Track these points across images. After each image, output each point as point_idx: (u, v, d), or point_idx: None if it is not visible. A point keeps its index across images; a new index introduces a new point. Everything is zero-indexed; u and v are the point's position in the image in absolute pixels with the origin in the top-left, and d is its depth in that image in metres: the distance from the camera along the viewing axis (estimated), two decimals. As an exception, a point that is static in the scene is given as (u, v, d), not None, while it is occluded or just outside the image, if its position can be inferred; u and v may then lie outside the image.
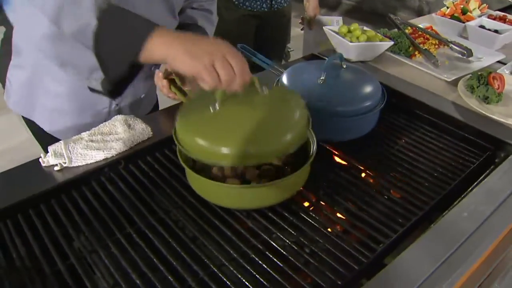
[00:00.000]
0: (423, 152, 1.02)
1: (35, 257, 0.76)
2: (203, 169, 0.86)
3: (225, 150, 0.74)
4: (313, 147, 0.86)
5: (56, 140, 0.98)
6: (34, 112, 1.14)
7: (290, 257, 0.75)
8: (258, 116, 0.78)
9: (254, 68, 1.30)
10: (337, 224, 0.84)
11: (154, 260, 0.74)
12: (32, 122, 1.16)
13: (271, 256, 0.75)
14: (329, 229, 0.81)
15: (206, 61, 0.70)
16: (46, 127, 1.16)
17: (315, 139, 0.88)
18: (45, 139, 1.15)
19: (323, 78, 1.02)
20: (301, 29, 2.31)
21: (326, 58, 1.05)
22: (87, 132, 1.00)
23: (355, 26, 1.42)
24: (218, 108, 0.78)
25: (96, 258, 0.76)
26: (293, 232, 0.80)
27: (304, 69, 1.11)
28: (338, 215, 0.86)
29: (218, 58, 0.70)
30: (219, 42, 0.73)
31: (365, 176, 0.96)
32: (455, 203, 0.86)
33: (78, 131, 0.99)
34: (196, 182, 0.84)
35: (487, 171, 0.97)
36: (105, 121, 1.04)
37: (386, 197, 0.90)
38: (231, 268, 0.73)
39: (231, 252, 0.76)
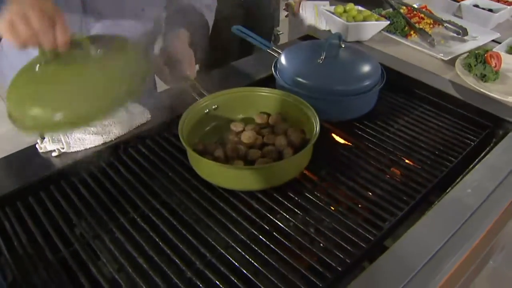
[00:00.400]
0: (423, 131, 1.02)
1: (37, 244, 0.74)
2: (206, 151, 0.85)
3: (51, 114, 0.67)
4: (316, 128, 0.85)
5: None
6: None
7: (296, 237, 0.75)
8: (85, 76, 0.70)
9: (252, 49, 1.29)
10: (342, 202, 0.83)
11: (160, 243, 0.73)
12: None
13: (277, 236, 0.75)
14: (333, 208, 0.81)
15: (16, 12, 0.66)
16: None
17: (318, 119, 0.87)
18: None
19: (323, 57, 1.01)
20: (286, 16, 2.28)
21: (321, 39, 1.04)
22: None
23: (350, 6, 1.41)
24: (38, 70, 0.71)
25: (99, 243, 0.76)
26: (298, 212, 0.80)
27: (302, 49, 1.10)
28: (342, 194, 0.86)
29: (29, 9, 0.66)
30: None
31: (366, 156, 0.96)
32: (457, 180, 0.86)
33: None
34: (199, 164, 0.83)
35: (487, 149, 0.98)
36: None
37: (388, 176, 0.89)
38: (239, 250, 0.72)
39: (238, 233, 0.75)
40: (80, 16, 0.96)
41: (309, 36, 1.46)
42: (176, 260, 0.70)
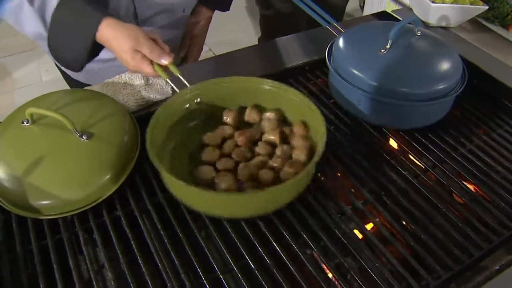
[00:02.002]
0: (504, 158, 0.80)
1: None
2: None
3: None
4: (323, 142, 0.65)
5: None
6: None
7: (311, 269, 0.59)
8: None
9: (310, 24, 1.09)
10: (380, 234, 0.66)
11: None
12: None
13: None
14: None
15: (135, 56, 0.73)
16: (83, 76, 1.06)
17: (325, 132, 0.66)
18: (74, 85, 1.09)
19: (388, 47, 0.80)
20: None
21: (400, 19, 0.82)
22: (99, 84, 0.86)
23: (441, -18, 1.15)
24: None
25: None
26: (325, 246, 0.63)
27: (367, 32, 0.89)
28: (385, 225, 0.68)
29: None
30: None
31: (423, 179, 0.76)
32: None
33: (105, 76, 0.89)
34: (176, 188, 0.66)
35: None
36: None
37: (450, 207, 0.70)
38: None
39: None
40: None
41: (387, 14, 1.22)
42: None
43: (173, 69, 0.76)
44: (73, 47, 0.76)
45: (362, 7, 2.54)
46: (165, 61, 0.74)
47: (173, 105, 0.74)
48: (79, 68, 0.79)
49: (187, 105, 0.76)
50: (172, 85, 0.75)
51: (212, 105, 0.78)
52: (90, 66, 0.82)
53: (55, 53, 0.78)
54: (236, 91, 0.78)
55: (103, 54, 0.81)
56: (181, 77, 0.76)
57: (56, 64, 1.07)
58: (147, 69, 0.74)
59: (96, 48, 0.77)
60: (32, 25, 0.76)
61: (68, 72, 1.06)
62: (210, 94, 0.77)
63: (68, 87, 1.14)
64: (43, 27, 0.76)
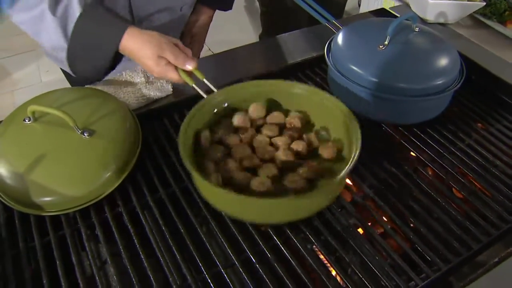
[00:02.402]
0: (502, 153, 0.80)
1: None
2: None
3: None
4: (355, 152, 0.63)
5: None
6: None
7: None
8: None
9: (311, 20, 1.10)
10: (381, 228, 0.67)
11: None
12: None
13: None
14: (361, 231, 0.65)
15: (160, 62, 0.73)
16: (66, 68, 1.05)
17: (359, 137, 0.65)
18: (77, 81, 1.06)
19: (386, 43, 0.81)
20: None
21: (398, 16, 0.83)
22: (102, 81, 0.86)
23: (439, -22, 1.15)
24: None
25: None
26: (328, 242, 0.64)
27: (365, 28, 0.89)
28: (385, 219, 0.69)
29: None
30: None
31: (424, 172, 0.77)
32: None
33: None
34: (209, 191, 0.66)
35: None
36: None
37: (450, 203, 0.71)
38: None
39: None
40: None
41: (385, 11, 1.23)
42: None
43: (198, 74, 0.75)
44: (94, 58, 0.76)
45: (359, 5, 2.55)
46: (190, 67, 0.74)
47: (203, 110, 0.73)
48: (96, 79, 0.79)
49: (215, 110, 0.75)
50: (199, 90, 0.74)
51: (239, 108, 0.77)
52: None
53: (73, 64, 0.78)
54: (263, 94, 0.78)
55: None
56: (207, 82, 0.75)
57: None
58: (173, 75, 0.74)
59: (116, 59, 0.77)
60: (52, 37, 0.75)
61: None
62: (238, 97, 0.77)
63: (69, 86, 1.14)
64: (64, 38, 0.74)
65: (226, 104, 0.76)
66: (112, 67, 0.79)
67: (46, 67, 2.54)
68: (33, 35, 0.77)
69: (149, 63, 0.73)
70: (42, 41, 0.77)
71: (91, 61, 0.77)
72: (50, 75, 2.50)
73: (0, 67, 2.60)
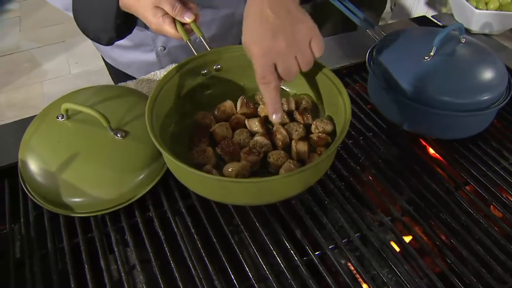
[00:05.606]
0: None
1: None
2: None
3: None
4: (346, 118, 0.61)
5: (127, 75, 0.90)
6: (99, 46, 1.02)
7: None
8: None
9: (346, 23, 1.06)
10: (418, 245, 0.63)
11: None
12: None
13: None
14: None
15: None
16: (111, 61, 1.06)
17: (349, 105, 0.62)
18: (116, 74, 1.08)
19: (432, 54, 0.77)
20: None
21: (440, 25, 0.79)
22: (135, 80, 0.85)
23: (486, -13, 1.11)
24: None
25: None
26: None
27: (410, 37, 0.86)
28: (424, 237, 0.66)
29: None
30: None
31: (463, 191, 0.73)
32: None
33: (144, 66, 0.90)
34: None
35: None
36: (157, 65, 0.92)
37: (491, 222, 0.67)
38: None
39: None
40: None
41: (427, 18, 1.18)
42: None
43: (196, 30, 0.69)
44: (98, 14, 0.72)
45: (392, 9, 2.50)
46: (188, 19, 0.68)
47: (189, 68, 0.69)
48: (107, 40, 0.75)
49: (205, 71, 0.72)
50: (192, 48, 0.69)
51: (232, 73, 0.73)
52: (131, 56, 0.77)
53: (81, 22, 0.75)
54: None
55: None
56: (202, 40, 0.70)
57: (101, 56, 1.07)
58: (168, 28, 0.68)
59: (128, 22, 0.73)
60: None
61: (109, 61, 1.06)
62: (232, 61, 0.72)
63: (108, 75, 1.14)
64: None
65: (218, 66, 0.72)
66: (127, 28, 0.75)
67: (75, 59, 2.56)
68: None
69: (146, 14, 0.68)
70: (54, 2, 0.78)
71: (97, 18, 0.73)
72: (79, 67, 2.52)
73: (30, 58, 2.63)
